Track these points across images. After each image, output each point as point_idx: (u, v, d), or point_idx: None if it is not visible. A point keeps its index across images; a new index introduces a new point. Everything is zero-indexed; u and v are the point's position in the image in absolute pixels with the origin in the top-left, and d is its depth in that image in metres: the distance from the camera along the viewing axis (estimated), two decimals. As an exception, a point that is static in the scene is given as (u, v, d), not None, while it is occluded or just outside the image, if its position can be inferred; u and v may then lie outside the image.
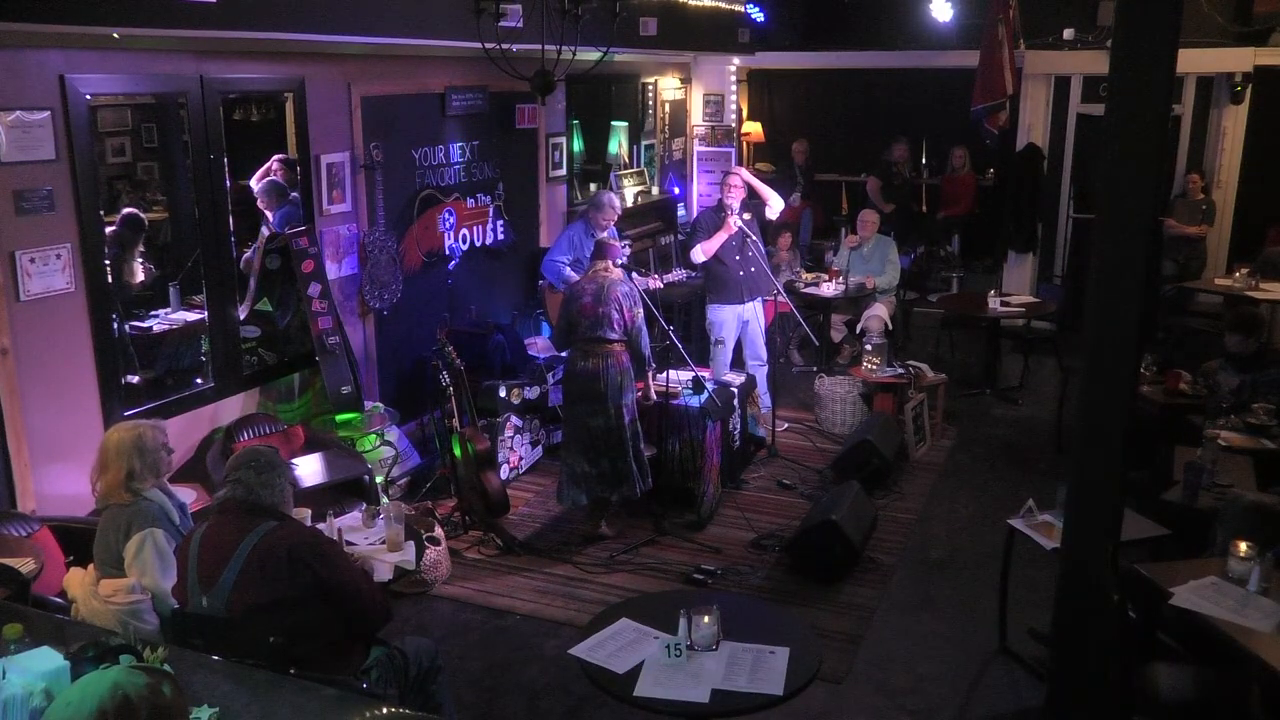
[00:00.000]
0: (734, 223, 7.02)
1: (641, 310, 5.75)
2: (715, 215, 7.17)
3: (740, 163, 11.49)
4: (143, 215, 6.56)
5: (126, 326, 5.84)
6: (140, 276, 6.44)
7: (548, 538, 5.95)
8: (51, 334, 4.77)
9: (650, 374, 5.99)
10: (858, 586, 5.40)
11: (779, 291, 7.41)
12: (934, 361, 8.22)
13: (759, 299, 7.36)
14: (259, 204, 6.40)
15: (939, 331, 9.43)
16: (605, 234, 7.05)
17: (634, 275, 6.40)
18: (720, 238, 7.05)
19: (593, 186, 9.20)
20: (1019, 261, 10.75)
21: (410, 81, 6.84)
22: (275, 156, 6.44)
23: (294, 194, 6.47)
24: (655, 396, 6.00)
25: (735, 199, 7.08)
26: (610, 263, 5.81)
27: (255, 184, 6.60)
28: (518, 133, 7.99)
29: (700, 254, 7.15)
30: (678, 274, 8.31)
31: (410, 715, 2.71)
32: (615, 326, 5.64)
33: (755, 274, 7.20)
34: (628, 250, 7.34)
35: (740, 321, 7.32)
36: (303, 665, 3.15)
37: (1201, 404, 5.98)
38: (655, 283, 6.39)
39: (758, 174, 11.54)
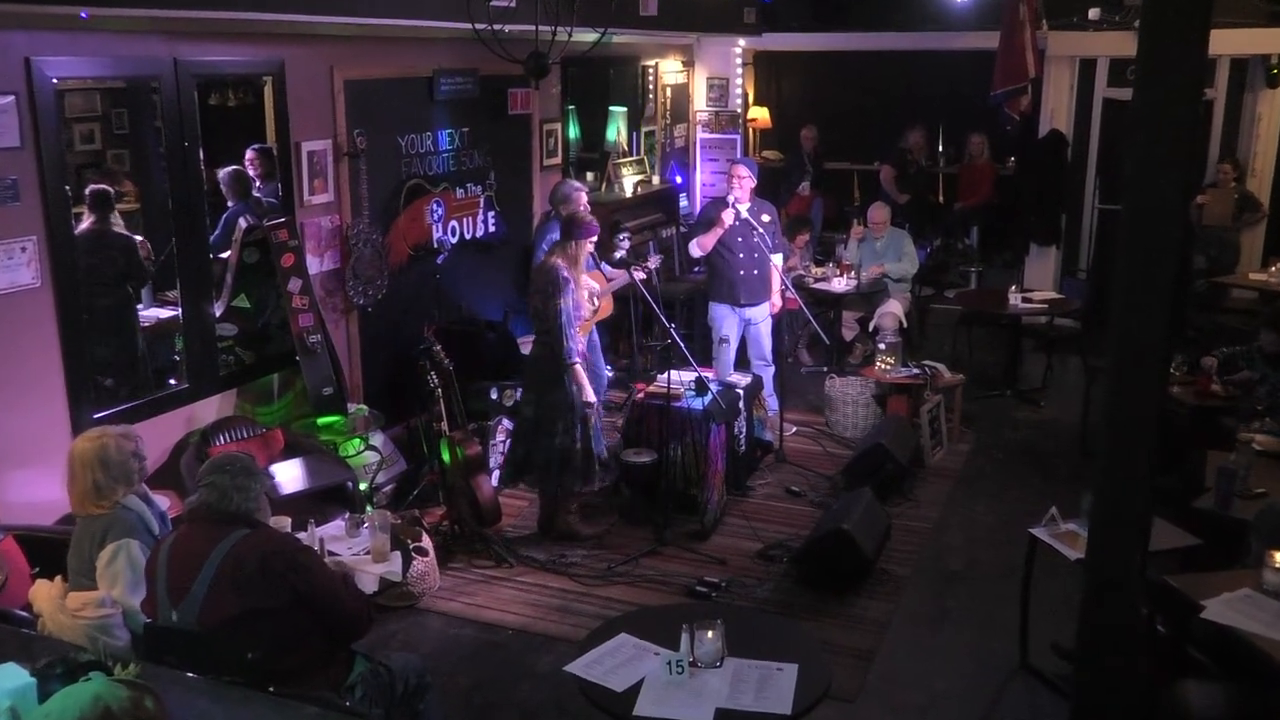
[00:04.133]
0: (728, 216, 6.95)
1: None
2: (716, 207, 7.13)
3: (746, 150, 11.50)
4: (110, 189, 6.55)
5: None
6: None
7: (542, 548, 5.95)
8: (16, 332, 4.77)
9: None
10: (870, 599, 5.41)
11: (787, 288, 7.41)
12: (951, 361, 8.23)
13: (761, 303, 7.29)
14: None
15: (956, 329, 9.43)
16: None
17: (633, 270, 6.40)
18: (716, 232, 7.01)
19: (589, 176, 9.20)
20: (1041, 255, 10.75)
21: (396, 64, 6.85)
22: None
23: (258, 189, 6.47)
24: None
25: (741, 190, 7.05)
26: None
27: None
28: (510, 119, 7.99)
29: (696, 248, 7.14)
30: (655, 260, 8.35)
31: (397, 735, 2.72)
32: None
33: (758, 277, 7.16)
34: (627, 243, 7.34)
35: (740, 321, 7.30)
36: (282, 681, 3.16)
37: (1235, 406, 5.99)
38: (639, 273, 6.42)
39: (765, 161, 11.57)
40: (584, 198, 7.15)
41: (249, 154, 6.57)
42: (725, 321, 7.26)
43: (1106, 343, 3.45)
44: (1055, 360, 9.06)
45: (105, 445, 3.84)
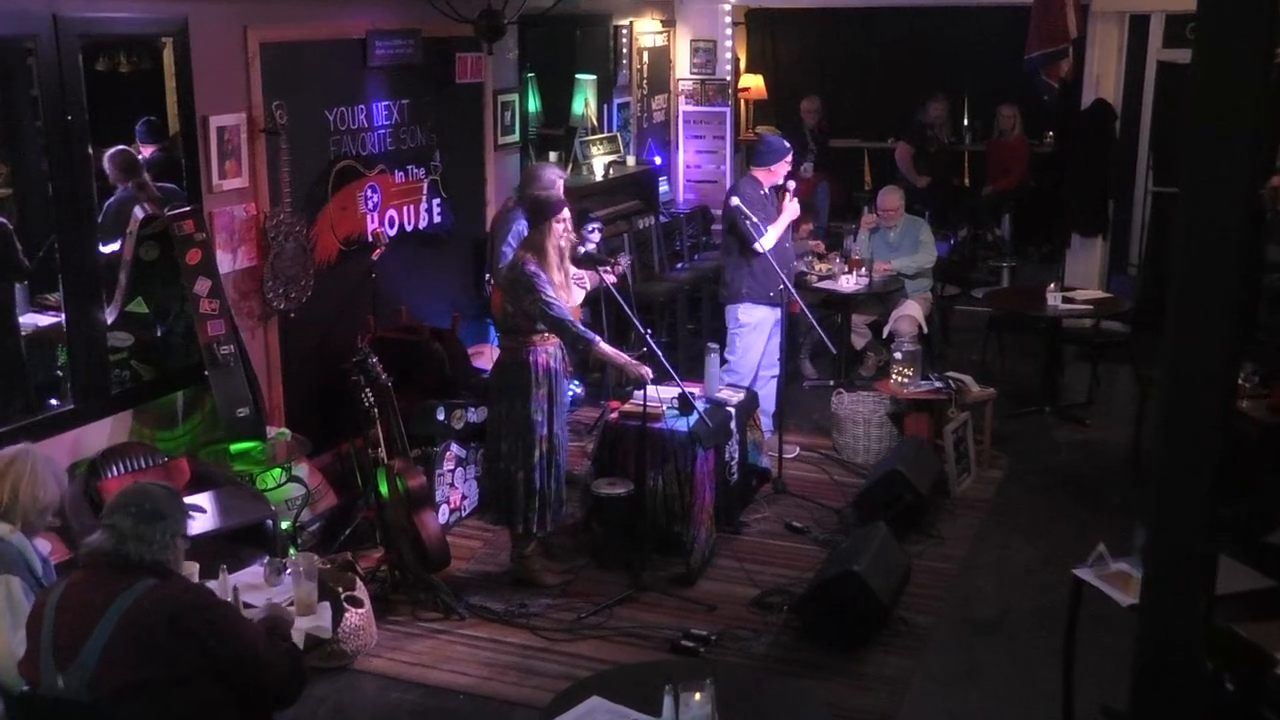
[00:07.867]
0: (793, 205, 7.39)
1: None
2: (755, 189, 7.42)
3: (738, 126, 11.54)
4: None
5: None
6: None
7: (499, 596, 5.94)
8: None
9: None
10: (886, 654, 5.43)
11: (787, 288, 7.44)
12: (980, 372, 8.27)
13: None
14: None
15: (986, 335, 9.49)
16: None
17: (601, 271, 6.40)
18: (784, 221, 7.36)
19: (553, 156, 9.21)
20: (1085, 247, 10.82)
21: (323, 25, 6.84)
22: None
23: (147, 176, 6.43)
24: None
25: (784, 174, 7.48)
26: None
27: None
28: (459, 89, 8.00)
29: (767, 244, 7.27)
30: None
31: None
32: None
33: (792, 269, 7.44)
34: (597, 235, 7.35)
35: (771, 325, 7.51)
36: (187, 761, 3.13)
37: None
38: (610, 275, 6.43)
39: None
40: (561, 185, 7.16)
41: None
42: (758, 327, 7.48)
43: (1162, 349, 3.47)
44: (1102, 371, 9.11)
45: (29, 449, 3.88)
